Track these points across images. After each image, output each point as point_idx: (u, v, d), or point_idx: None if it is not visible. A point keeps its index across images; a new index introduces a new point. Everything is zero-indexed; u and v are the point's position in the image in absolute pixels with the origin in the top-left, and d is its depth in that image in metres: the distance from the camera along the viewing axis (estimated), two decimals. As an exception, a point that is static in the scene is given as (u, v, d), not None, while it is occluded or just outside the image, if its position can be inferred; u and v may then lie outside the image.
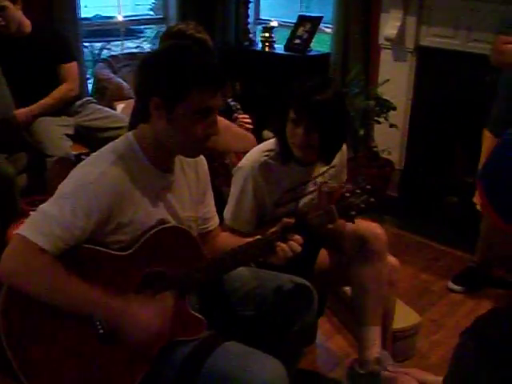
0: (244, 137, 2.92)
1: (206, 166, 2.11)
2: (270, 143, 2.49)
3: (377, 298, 2.47)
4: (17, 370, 1.69)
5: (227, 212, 2.48)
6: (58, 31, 4.11)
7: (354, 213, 1.93)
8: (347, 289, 3.02)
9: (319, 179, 2.56)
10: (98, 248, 1.76)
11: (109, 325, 1.72)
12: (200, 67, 1.75)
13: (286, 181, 2.47)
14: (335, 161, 2.55)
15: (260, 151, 2.47)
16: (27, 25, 3.88)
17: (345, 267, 2.54)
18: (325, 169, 2.56)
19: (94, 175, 1.73)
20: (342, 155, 2.62)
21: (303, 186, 2.53)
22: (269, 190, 2.44)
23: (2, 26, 3.74)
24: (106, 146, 1.86)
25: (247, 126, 3.08)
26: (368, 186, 1.93)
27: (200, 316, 1.85)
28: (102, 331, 1.72)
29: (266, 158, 2.43)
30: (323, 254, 2.60)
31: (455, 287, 3.56)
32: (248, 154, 2.50)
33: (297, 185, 2.51)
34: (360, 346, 2.50)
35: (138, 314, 1.71)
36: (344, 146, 2.59)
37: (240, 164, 2.47)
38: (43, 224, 1.68)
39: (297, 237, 1.86)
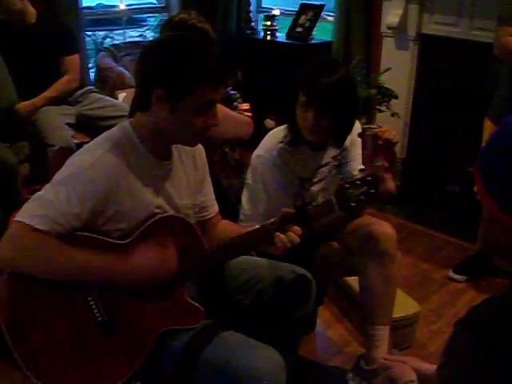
0: (242, 121, 2.92)
1: (204, 154, 2.12)
2: (284, 129, 2.50)
3: (386, 298, 2.47)
4: (16, 357, 1.72)
5: (256, 205, 2.51)
6: (62, 22, 4.11)
7: (353, 204, 1.87)
8: (347, 278, 3.04)
9: (332, 162, 2.57)
10: (96, 236, 1.77)
11: (107, 311, 1.76)
12: (205, 63, 1.76)
13: (300, 166, 2.49)
14: (346, 142, 2.55)
15: (275, 137, 2.49)
16: (32, 14, 3.87)
17: (347, 259, 2.55)
18: (337, 152, 2.56)
19: (88, 162, 1.74)
20: (353, 134, 2.60)
21: (317, 171, 2.53)
22: (289, 175, 2.45)
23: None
24: (102, 135, 1.87)
25: (247, 113, 3.08)
26: (369, 178, 1.90)
27: (198, 305, 1.86)
28: (100, 319, 1.75)
29: (281, 144, 2.45)
30: (325, 245, 2.60)
31: (456, 276, 3.56)
32: (264, 142, 2.53)
33: (311, 172, 2.51)
34: (368, 343, 2.51)
35: (136, 264, 1.75)
36: (357, 124, 2.55)
37: (257, 152, 2.50)
38: (37, 208, 1.70)
39: (296, 228, 1.83)
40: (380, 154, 2.18)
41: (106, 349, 1.77)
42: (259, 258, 2.20)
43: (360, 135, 2.25)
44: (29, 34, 3.82)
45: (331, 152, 2.55)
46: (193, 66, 1.74)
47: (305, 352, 2.83)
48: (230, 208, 2.59)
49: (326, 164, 2.55)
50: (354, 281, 2.98)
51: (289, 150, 2.45)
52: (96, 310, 1.76)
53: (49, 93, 3.89)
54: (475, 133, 3.40)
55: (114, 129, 1.88)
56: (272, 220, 1.88)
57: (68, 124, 3.86)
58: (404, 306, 2.85)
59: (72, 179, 1.72)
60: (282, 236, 1.82)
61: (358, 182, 1.87)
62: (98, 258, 1.72)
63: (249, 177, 2.60)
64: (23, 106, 3.83)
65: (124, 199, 1.79)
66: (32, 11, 3.87)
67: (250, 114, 3.11)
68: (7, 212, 3.28)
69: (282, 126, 2.54)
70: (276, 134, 2.52)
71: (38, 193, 1.74)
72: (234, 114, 2.93)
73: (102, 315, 1.76)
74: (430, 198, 4.38)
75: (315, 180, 2.54)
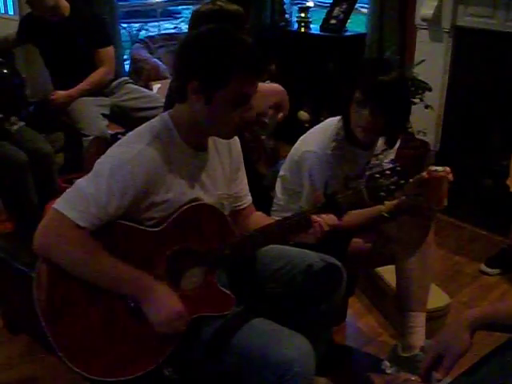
0: (272, 91, 2.88)
1: (239, 144, 2.14)
2: (336, 126, 2.48)
3: (423, 284, 2.49)
4: (52, 342, 1.75)
5: (293, 198, 2.55)
6: (95, 14, 4.14)
7: (383, 194, 1.89)
8: (379, 269, 3.04)
9: (373, 160, 2.56)
10: (130, 224, 1.81)
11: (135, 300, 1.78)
12: (243, 55, 1.77)
13: (350, 164, 2.48)
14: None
15: (327, 134, 2.47)
16: (65, 8, 3.92)
17: (378, 249, 2.55)
18: (378, 151, 2.55)
19: (130, 155, 1.76)
20: None
21: (366, 169, 2.52)
22: (338, 173, 2.44)
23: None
24: (143, 126, 1.89)
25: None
26: (398, 168, 1.90)
27: (229, 292, 1.88)
28: (132, 304, 1.78)
29: (334, 142, 2.44)
30: (359, 235, 2.60)
31: (488, 270, 3.53)
32: (314, 138, 2.51)
33: (359, 170, 2.50)
34: (404, 330, 2.51)
35: (161, 295, 1.77)
36: None
37: (307, 148, 2.47)
38: (79, 201, 1.73)
39: (330, 214, 1.86)
40: (445, 196, 2.28)
41: (137, 335, 1.80)
42: (290, 247, 2.20)
43: (426, 176, 2.25)
44: (63, 28, 3.87)
45: (374, 151, 2.56)
46: (226, 58, 1.75)
47: (335, 341, 2.85)
48: (263, 196, 2.60)
49: (370, 162, 2.56)
50: (385, 272, 2.99)
51: (341, 148, 2.44)
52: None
53: (84, 85, 3.94)
54: (509, 126, 3.37)
55: (154, 120, 1.91)
56: (304, 209, 1.90)
57: (103, 115, 3.91)
58: (435, 298, 2.84)
59: (113, 172, 1.75)
60: (318, 219, 1.83)
61: (388, 172, 1.89)
62: (126, 268, 1.75)
63: (286, 169, 2.61)
64: (59, 96, 3.89)
65: (161, 191, 1.82)
66: (65, 5, 3.91)
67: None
68: (43, 201, 3.36)
69: (330, 121, 2.54)
70: (326, 130, 2.50)
71: (80, 183, 1.77)
72: (263, 85, 2.75)
73: (135, 301, 1.79)
74: (463, 191, 4.34)
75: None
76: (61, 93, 3.90)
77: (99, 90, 4.03)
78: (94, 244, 1.73)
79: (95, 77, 3.99)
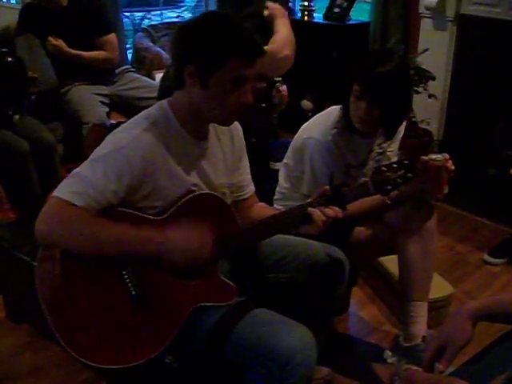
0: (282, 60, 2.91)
1: (242, 133, 2.13)
2: (338, 113, 2.48)
3: (425, 273, 2.48)
4: (53, 330, 1.75)
5: (297, 186, 2.54)
6: (94, 2, 4.03)
7: (390, 187, 1.88)
8: (382, 259, 3.04)
9: (377, 149, 2.56)
10: (133, 212, 1.81)
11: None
12: (238, 36, 1.76)
13: (351, 152, 2.49)
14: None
15: (328, 121, 2.47)
16: None
17: (381, 239, 2.55)
18: (382, 140, 2.55)
19: (125, 140, 1.77)
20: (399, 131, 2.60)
21: (368, 158, 2.54)
22: (339, 160, 2.45)
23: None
24: (140, 113, 1.90)
25: (284, 93, 3.06)
26: (405, 161, 1.89)
27: (231, 283, 1.88)
28: (134, 293, 1.78)
29: (335, 129, 2.44)
30: (361, 225, 2.60)
31: (491, 260, 3.53)
32: (315, 125, 2.52)
33: (362, 158, 2.52)
34: (406, 320, 2.51)
35: (174, 237, 1.76)
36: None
37: (308, 135, 2.48)
38: (75, 184, 1.73)
39: (333, 207, 1.85)
40: (445, 184, 2.23)
41: (139, 323, 1.79)
42: (293, 237, 2.19)
43: (424, 165, 2.20)
44: (62, 18, 3.82)
45: (378, 140, 2.55)
46: (224, 39, 1.75)
47: (338, 331, 2.86)
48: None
49: (373, 151, 2.56)
50: (387, 261, 2.99)
51: (342, 136, 2.44)
52: (130, 284, 1.78)
53: (83, 52, 3.87)
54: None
55: (152, 107, 1.91)
56: (309, 200, 1.90)
57: (101, 102, 3.89)
58: (438, 287, 2.84)
59: (109, 157, 1.75)
60: (319, 212, 1.83)
61: (395, 166, 1.88)
62: (134, 229, 1.75)
63: (289, 156, 2.61)
64: (58, 42, 3.83)
65: (160, 177, 1.81)
66: None
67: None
68: (46, 190, 3.37)
69: (332, 109, 2.53)
70: (327, 118, 2.50)
71: (77, 169, 1.78)
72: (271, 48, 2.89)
73: (136, 289, 1.79)
74: (466, 180, 4.33)
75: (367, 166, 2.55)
76: (62, 44, 3.82)
77: (101, 79, 3.99)
78: (96, 216, 1.73)
79: (94, 53, 3.91)
